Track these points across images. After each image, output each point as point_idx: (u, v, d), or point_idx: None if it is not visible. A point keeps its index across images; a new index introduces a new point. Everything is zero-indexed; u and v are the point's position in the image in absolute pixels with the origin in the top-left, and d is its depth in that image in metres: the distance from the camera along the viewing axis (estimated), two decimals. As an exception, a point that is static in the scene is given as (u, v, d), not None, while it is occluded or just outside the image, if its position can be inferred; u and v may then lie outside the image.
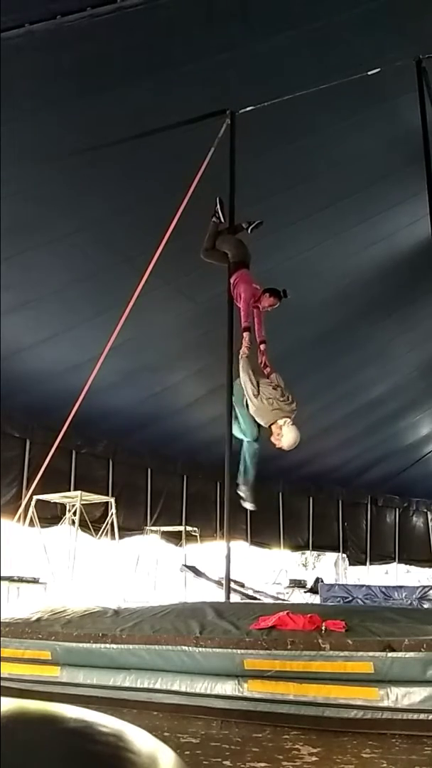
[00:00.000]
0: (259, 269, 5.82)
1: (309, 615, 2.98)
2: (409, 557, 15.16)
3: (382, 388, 11.63)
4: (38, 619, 3.74)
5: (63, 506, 9.25)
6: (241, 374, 5.08)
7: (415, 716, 2.58)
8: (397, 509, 15.31)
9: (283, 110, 5.80)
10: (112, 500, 9.55)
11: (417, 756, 2.32)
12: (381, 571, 15.46)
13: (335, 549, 14.26)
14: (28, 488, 7.60)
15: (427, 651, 2.58)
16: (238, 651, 2.87)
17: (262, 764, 2.19)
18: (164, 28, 5.11)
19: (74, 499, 8.82)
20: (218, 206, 5.87)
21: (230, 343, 5.57)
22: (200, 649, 2.95)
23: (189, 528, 11.03)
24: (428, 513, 15.82)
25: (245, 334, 5.27)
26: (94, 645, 3.24)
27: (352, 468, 13.63)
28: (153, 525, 10.92)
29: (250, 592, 10.02)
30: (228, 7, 5.16)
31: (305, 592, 11.26)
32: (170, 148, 5.94)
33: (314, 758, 2.26)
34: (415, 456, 14.20)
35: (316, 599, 10.10)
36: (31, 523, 8.36)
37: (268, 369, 5.28)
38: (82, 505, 8.81)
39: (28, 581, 7.99)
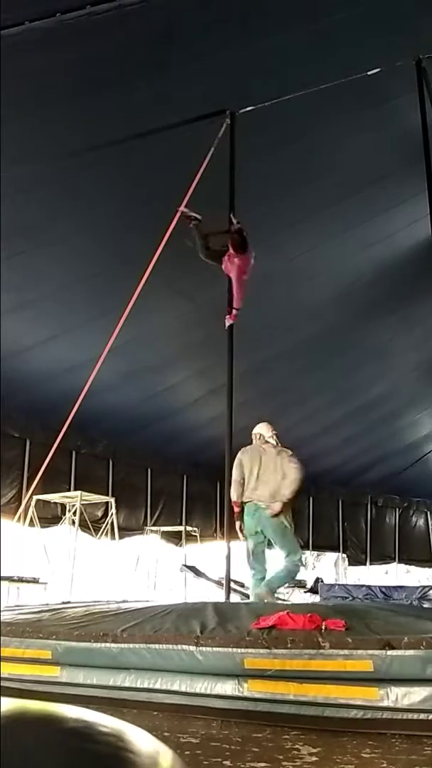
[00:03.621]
0: (259, 270, 5.82)
1: (309, 614, 2.99)
2: (409, 557, 15.15)
3: (381, 388, 11.64)
4: (38, 619, 3.74)
5: (63, 506, 9.25)
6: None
7: (415, 716, 2.58)
8: (397, 509, 15.30)
9: (283, 110, 5.80)
10: (112, 500, 9.55)
11: (417, 756, 2.32)
12: (381, 571, 15.45)
13: (335, 549, 14.26)
14: (28, 488, 7.60)
15: (427, 648, 2.58)
16: (239, 650, 2.86)
17: (262, 764, 2.19)
18: (164, 27, 5.11)
19: (74, 499, 8.82)
20: (184, 217, 5.71)
21: (230, 343, 5.58)
22: (200, 648, 2.94)
23: (189, 528, 11.03)
24: (428, 513, 15.81)
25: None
26: (94, 644, 3.24)
27: (352, 468, 13.63)
28: (153, 525, 10.92)
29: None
30: (228, 6, 5.16)
31: (305, 592, 11.25)
32: (170, 148, 5.93)
33: (314, 758, 2.26)
34: (415, 456, 14.20)
35: (316, 599, 10.09)
36: (31, 523, 8.36)
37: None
38: (82, 505, 8.81)
39: (28, 581, 7.99)
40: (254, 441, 5.23)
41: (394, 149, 6.95)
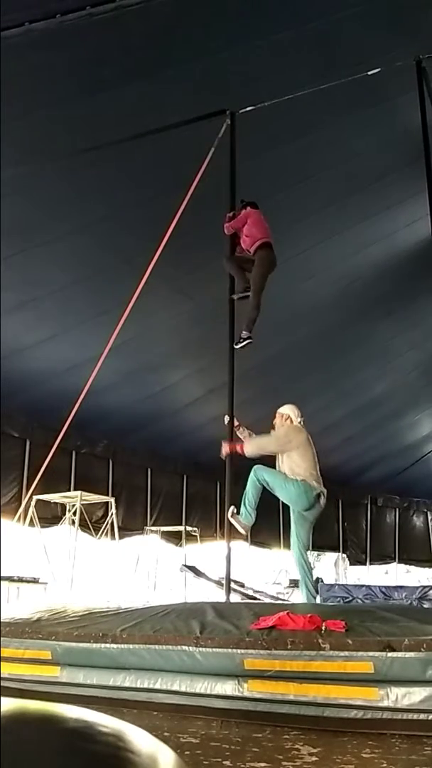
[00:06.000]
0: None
1: (309, 615, 2.98)
2: (409, 557, 15.16)
3: (381, 387, 11.64)
4: (38, 619, 3.73)
5: (63, 506, 9.25)
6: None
7: (415, 716, 2.58)
8: (397, 509, 15.30)
9: (283, 110, 5.80)
10: (112, 500, 9.55)
11: (417, 756, 2.32)
12: (381, 571, 15.46)
13: (335, 549, 14.26)
14: (28, 488, 7.60)
15: (427, 651, 2.57)
16: (238, 651, 2.86)
17: (262, 764, 2.19)
18: (164, 28, 5.11)
19: (74, 499, 8.82)
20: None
21: (231, 342, 5.57)
22: (200, 649, 2.94)
23: (189, 528, 11.03)
24: (428, 513, 15.82)
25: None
26: (94, 645, 3.24)
27: (351, 468, 13.63)
28: (153, 525, 10.92)
29: (250, 592, 10.01)
30: (227, 6, 5.16)
31: (305, 592, 11.22)
32: (170, 148, 5.94)
33: (314, 758, 2.25)
34: (415, 456, 14.20)
35: (316, 599, 10.08)
36: (31, 523, 8.36)
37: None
38: (82, 505, 8.81)
39: (28, 581, 7.99)
40: (296, 420, 4.98)
41: (394, 149, 6.95)
